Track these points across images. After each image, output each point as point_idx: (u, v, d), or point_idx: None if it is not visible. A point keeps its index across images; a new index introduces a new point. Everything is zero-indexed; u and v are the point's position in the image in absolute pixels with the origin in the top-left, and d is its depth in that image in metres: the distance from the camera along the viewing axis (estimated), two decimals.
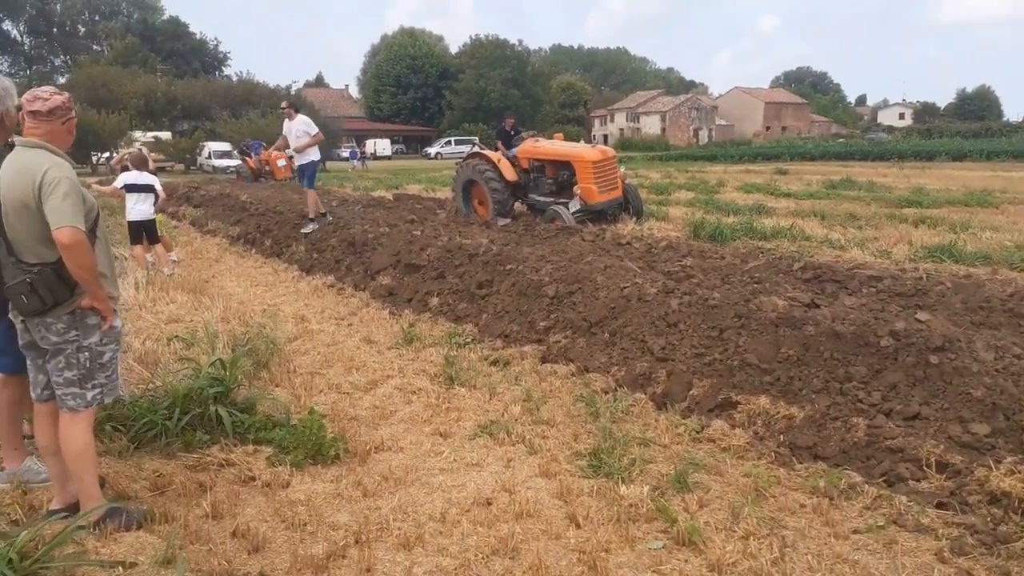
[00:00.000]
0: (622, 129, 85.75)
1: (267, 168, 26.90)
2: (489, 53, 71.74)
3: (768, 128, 79.75)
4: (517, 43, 75.65)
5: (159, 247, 9.01)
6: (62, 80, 70.25)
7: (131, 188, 8.47)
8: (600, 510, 3.15)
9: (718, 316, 5.22)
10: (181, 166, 41.97)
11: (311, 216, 10.82)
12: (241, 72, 62.32)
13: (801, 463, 3.76)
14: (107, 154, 37.17)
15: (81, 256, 2.72)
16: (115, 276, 3.13)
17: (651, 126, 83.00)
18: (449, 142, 66.54)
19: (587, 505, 3.19)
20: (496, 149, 13.15)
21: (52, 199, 2.68)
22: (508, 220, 11.92)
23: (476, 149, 13.60)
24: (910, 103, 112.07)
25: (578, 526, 3.05)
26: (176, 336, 5.18)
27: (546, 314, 6.29)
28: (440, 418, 4.23)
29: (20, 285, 2.73)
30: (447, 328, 6.24)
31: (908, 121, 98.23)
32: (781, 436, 4.10)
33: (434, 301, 7.25)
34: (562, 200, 11.72)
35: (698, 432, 4.04)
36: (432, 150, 65.65)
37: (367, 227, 9.94)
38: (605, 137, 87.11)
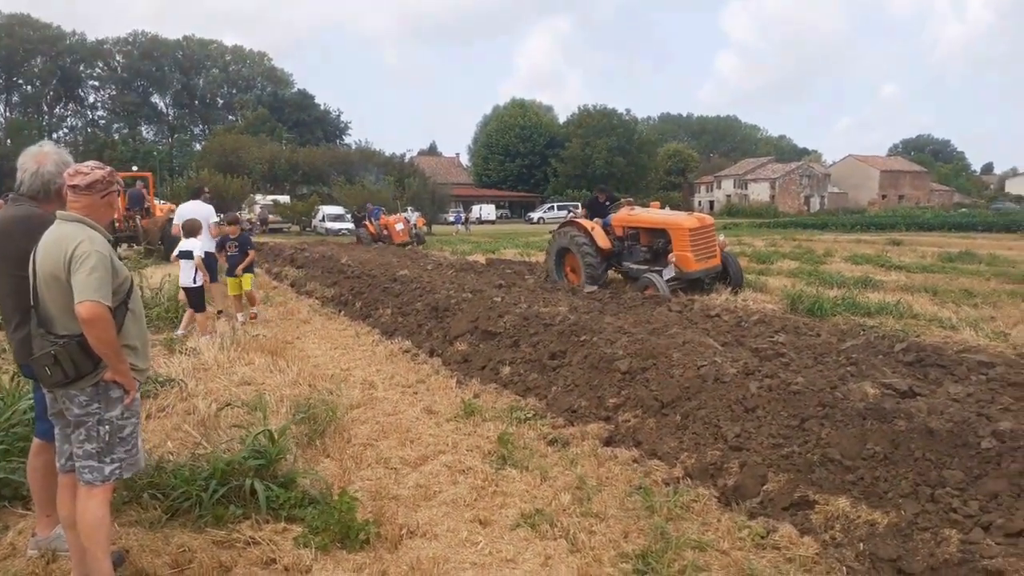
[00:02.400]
0: (729, 196, 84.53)
1: (385, 232, 28.03)
2: (596, 122, 72.95)
3: (884, 197, 76.64)
4: (624, 112, 76.41)
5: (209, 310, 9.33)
6: (198, 147, 76.06)
7: (181, 255, 8.85)
8: None
9: (800, 403, 4.79)
10: (297, 228, 44.06)
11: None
12: (360, 141, 65.72)
13: None
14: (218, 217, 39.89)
15: (101, 330, 2.72)
16: (147, 349, 3.13)
17: (760, 193, 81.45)
18: (552, 207, 67.41)
19: None
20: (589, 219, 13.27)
21: (80, 272, 2.71)
22: (595, 288, 11.71)
23: (571, 217, 13.88)
24: None
25: None
26: (228, 403, 5.18)
27: (616, 390, 5.99)
28: (484, 502, 3.99)
29: (44, 357, 2.75)
30: (511, 400, 6.03)
31: None
32: (861, 544, 3.63)
33: (505, 371, 7.07)
34: (656, 268, 11.54)
35: (763, 537, 3.64)
36: (535, 215, 66.74)
37: (451, 292, 9.94)
38: (711, 204, 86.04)
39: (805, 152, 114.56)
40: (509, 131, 77.19)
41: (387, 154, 64.83)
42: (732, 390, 5.21)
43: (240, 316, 9.86)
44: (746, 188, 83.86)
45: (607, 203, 13.75)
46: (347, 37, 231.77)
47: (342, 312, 11.12)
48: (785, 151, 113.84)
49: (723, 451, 4.71)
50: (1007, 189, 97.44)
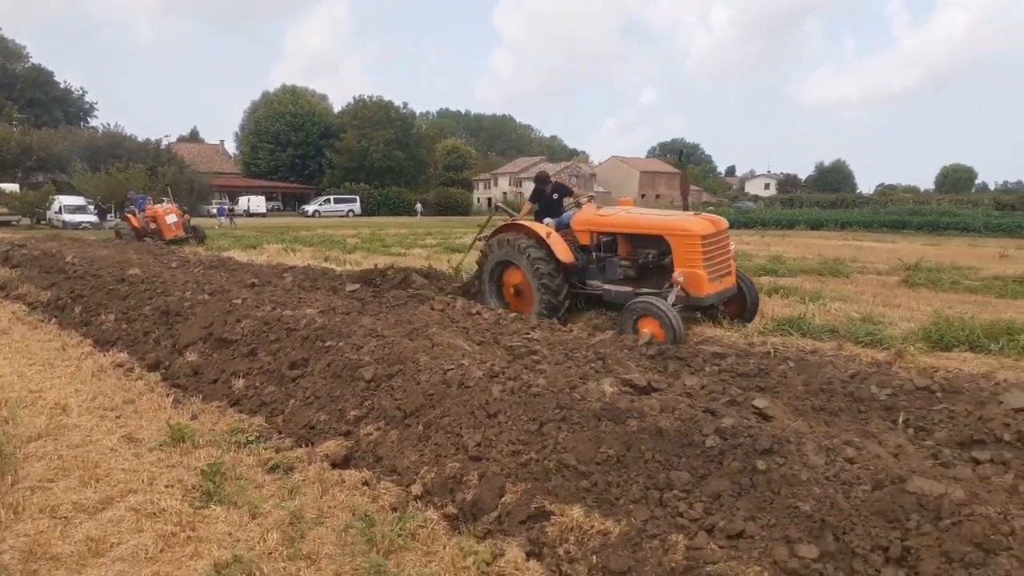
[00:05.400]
0: (505, 193, 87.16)
1: (153, 226, 23.80)
2: (373, 114, 71.75)
3: (643, 195, 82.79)
4: (402, 105, 75.82)
5: None
6: None
7: None
8: None
9: (540, 406, 4.60)
10: (28, 220, 38.75)
11: None
12: (109, 124, 58.96)
13: None
14: None
15: None
16: None
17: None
18: (328, 200, 65.36)
19: None
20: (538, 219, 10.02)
21: None
22: (553, 319, 8.75)
23: (513, 218, 10.06)
24: (774, 174, 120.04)
25: None
26: None
27: (359, 401, 5.50)
28: (171, 554, 3.33)
29: None
30: (235, 420, 5.32)
31: (772, 191, 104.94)
32: (594, 558, 3.45)
33: (239, 384, 6.31)
34: (647, 290, 8.43)
35: (488, 564, 3.34)
36: (310, 208, 64.30)
37: (186, 293, 8.88)
38: (489, 200, 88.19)
39: (575, 152, 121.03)
40: (280, 119, 73.56)
41: (140, 139, 59.06)
42: (476, 395, 4.93)
43: None
44: (521, 186, 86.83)
45: (554, 196, 10.41)
46: (95, 8, 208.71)
47: (54, 320, 9.55)
48: (557, 151, 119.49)
49: (463, 462, 4.40)
50: (746, 189, 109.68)
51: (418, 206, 68.06)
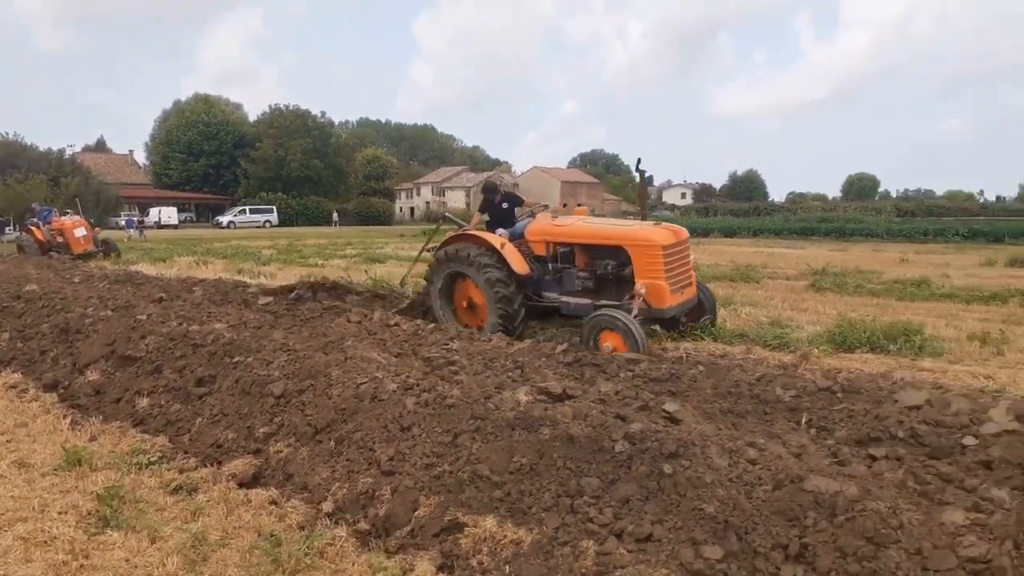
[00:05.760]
0: (428, 203, 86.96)
1: (60, 239, 22.34)
2: (289, 123, 70.40)
3: (565, 204, 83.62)
4: (320, 114, 74.62)
5: None
6: None
7: None
8: None
9: (454, 417, 4.57)
10: None
11: None
12: (6, 133, 55.77)
13: None
14: None
15: None
16: None
17: (457, 200, 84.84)
18: (244, 211, 63.76)
19: None
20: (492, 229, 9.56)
21: None
22: (510, 334, 8.33)
23: (464, 228, 9.74)
24: (691, 184, 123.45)
25: None
26: None
27: (269, 417, 5.36)
28: None
29: None
30: (136, 441, 5.10)
31: (689, 200, 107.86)
32: (507, 567, 3.45)
33: (143, 403, 6.07)
34: (607, 302, 8.18)
35: None
36: (224, 219, 62.55)
37: (88, 310, 8.49)
38: (412, 210, 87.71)
39: (497, 162, 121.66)
40: (192, 128, 71.31)
41: (42, 149, 56.24)
42: (390, 408, 4.87)
43: None
44: (444, 195, 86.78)
45: (504, 205, 10.05)
46: None
47: None
48: (479, 161, 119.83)
49: (376, 477, 4.34)
50: (664, 199, 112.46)
51: (334, 216, 66.98)
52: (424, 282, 9.75)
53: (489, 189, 10.18)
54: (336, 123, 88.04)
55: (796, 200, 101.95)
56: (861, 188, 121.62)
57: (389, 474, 4.32)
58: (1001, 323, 9.66)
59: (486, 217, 10.06)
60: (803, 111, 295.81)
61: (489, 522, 3.71)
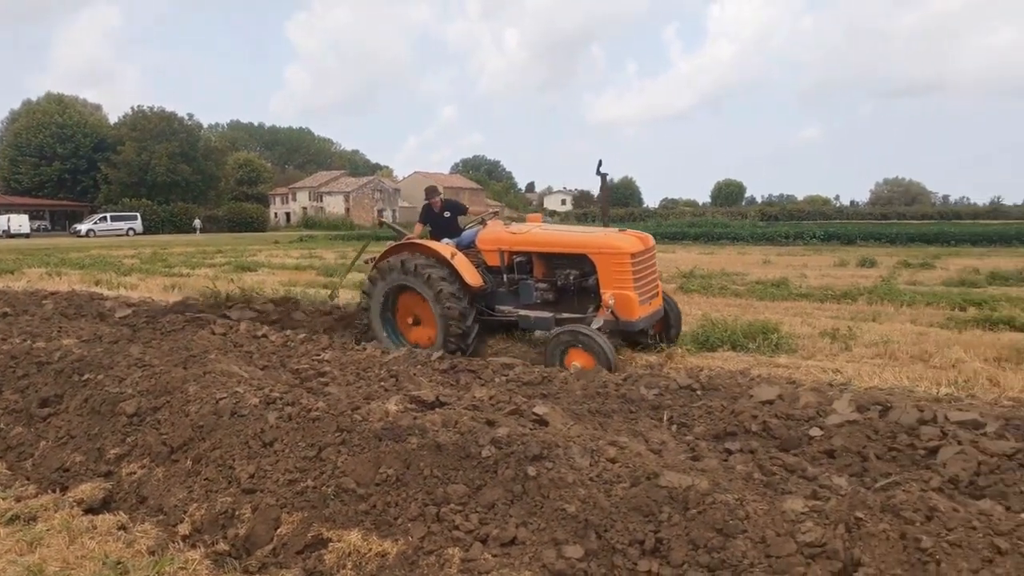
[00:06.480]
0: (305, 208, 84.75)
1: None
2: (154, 125, 66.79)
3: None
4: (187, 117, 71.21)
5: None
6: None
7: None
8: None
9: (319, 430, 4.45)
10: None
11: None
12: None
13: None
14: None
15: None
16: None
17: (335, 205, 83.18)
18: (104, 218, 60.01)
19: None
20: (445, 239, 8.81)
21: None
22: (461, 352, 7.77)
23: (407, 237, 8.90)
24: (570, 190, 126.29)
25: None
26: None
27: (121, 437, 5.06)
28: None
29: None
30: None
31: (569, 206, 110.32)
32: None
33: None
34: (569, 315, 7.72)
35: None
36: (83, 227, 58.62)
37: None
38: (288, 215, 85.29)
39: (377, 167, 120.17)
40: (44, 130, 66.33)
41: None
42: (251, 423, 4.68)
43: None
44: (321, 200, 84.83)
45: (447, 214, 9.29)
46: None
47: None
48: (359, 165, 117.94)
49: (236, 496, 4.17)
50: (545, 205, 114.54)
51: (196, 222, 63.94)
52: (362, 297, 8.86)
53: (430, 193, 9.49)
54: (205, 126, 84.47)
55: (668, 206, 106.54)
56: (729, 194, 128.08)
57: (250, 492, 4.16)
58: (850, 320, 10.36)
59: (428, 228, 9.36)
60: (675, 119, 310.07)
61: (354, 536, 3.64)
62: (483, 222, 9.03)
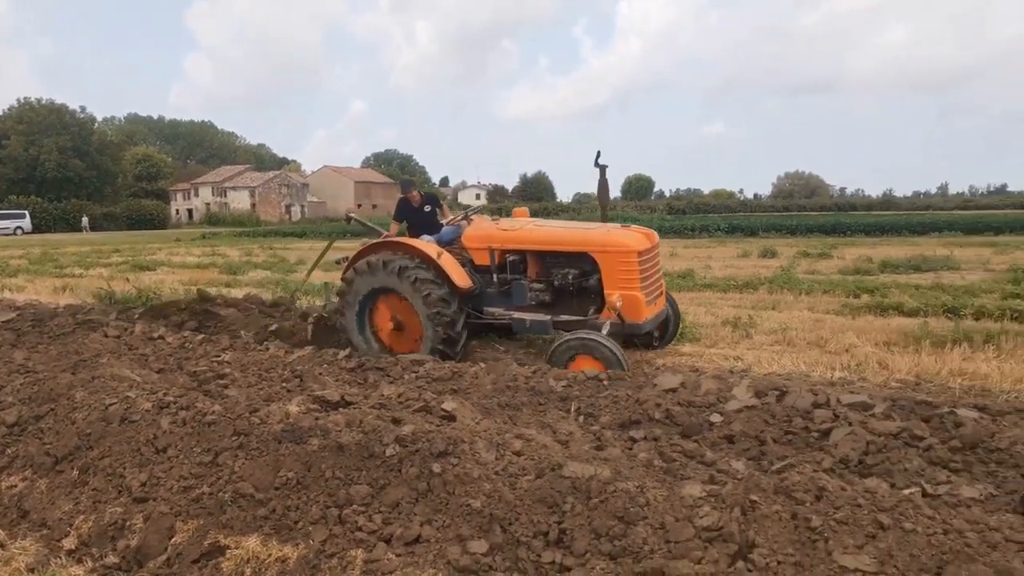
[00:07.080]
0: (208, 204, 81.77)
1: None
2: (42, 119, 63.08)
3: (360, 205, 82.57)
4: (79, 109, 67.58)
5: None
6: None
7: None
8: None
9: (215, 435, 4.28)
10: None
11: None
12: None
13: None
14: None
15: None
16: None
17: (240, 201, 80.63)
18: None
19: None
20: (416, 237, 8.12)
21: None
22: (452, 359, 7.14)
23: (384, 236, 8.25)
24: (484, 185, 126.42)
25: None
26: None
27: (1, 449, 4.74)
28: None
29: None
30: None
31: (483, 201, 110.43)
32: None
33: None
34: (568, 317, 7.28)
35: None
36: None
37: None
38: (190, 212, 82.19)
39: (285, 161, 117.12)
40: None
41: None
42: (143, 429, 4.47)
43: None
44: (226, 196, 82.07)
45: (427, 208, 8.63)
46: None
47: None
48: (265, 160, 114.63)
49: (126, 506, 3.97)
50: (460, 199, 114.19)
51: (84, 220, 60.76)
52: (336, 300, 8.13)
53: (406, 186, 8.69)
54: (100, 119, 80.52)
55: (582, 200, 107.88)
56: (639, 188, 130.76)
57: (142, 501, 3.97)
58: (751, 309, 10.72)
59: (405, 225, 8.66)
60: (585, 115, 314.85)
61: (252, 542, 3.52)
62: (467, 218, 8.58)
